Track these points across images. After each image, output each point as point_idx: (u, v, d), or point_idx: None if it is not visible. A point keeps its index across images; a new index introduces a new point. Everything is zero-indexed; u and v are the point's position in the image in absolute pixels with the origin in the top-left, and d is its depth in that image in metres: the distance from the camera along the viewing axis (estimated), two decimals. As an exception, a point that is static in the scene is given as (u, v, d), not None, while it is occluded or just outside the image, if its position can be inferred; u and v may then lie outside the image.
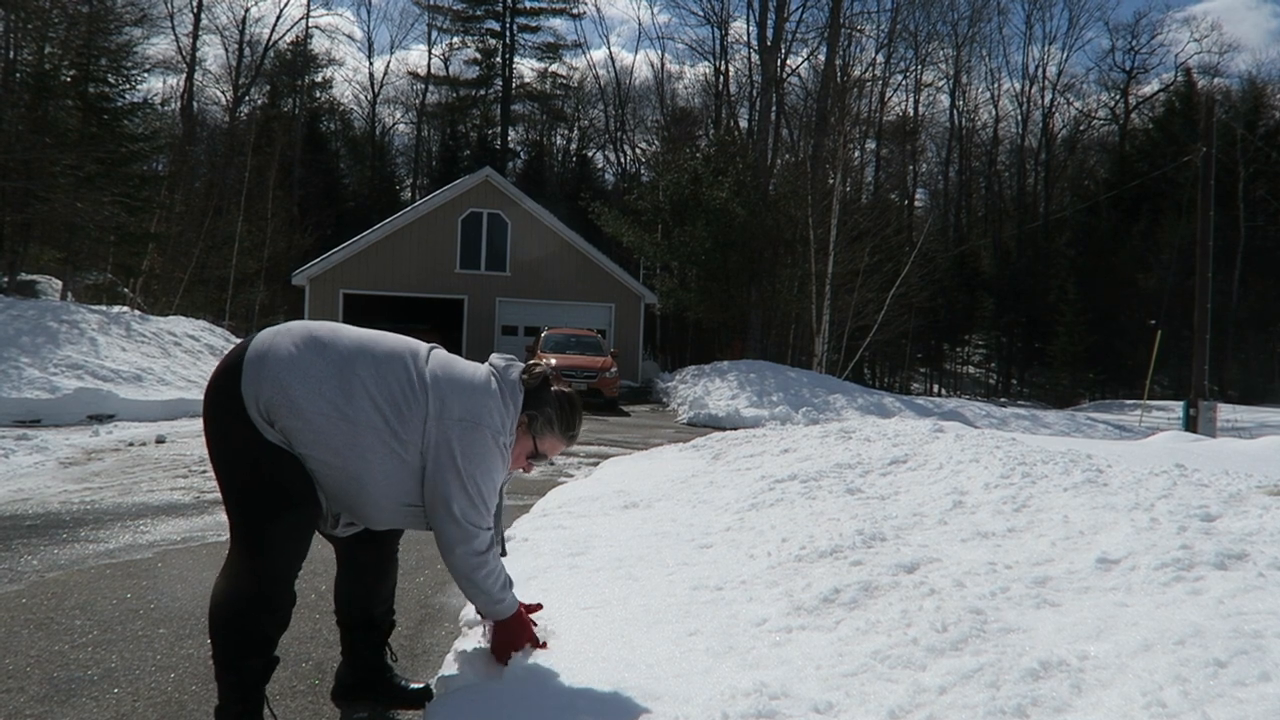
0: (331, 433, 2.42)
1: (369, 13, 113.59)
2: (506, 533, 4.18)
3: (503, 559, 2.76)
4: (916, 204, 49.90)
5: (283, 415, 2.39)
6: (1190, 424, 17.73)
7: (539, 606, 3.06)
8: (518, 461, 2.77)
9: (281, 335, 2.49)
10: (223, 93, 45.14)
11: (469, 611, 3.48)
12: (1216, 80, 47.79)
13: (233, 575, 2.46)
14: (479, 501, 2.53)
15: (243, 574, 2.44)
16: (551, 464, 9.14)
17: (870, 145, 42.81)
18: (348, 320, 24.25)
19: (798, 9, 35.34)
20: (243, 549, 2.46)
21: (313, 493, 2.48)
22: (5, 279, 19.43)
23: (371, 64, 55.26)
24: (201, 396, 2.63)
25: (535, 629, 2.89)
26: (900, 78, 46.58)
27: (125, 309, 19.09)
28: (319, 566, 3.87)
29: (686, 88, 53.04)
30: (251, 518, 2.45)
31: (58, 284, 23.32)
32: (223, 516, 2.54)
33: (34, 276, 24.28)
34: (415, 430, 2.48)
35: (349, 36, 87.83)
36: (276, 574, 2.46)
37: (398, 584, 3.03)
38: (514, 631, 2.78)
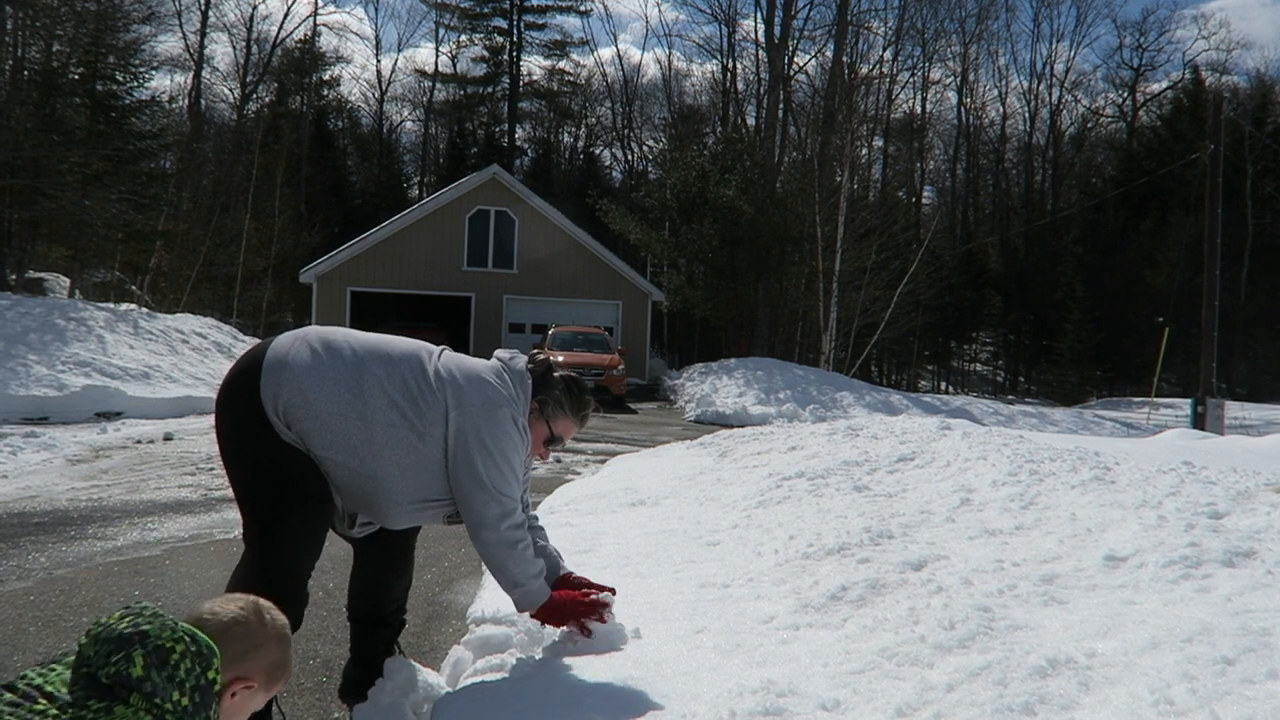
0: (349, 433, 2.46)
1: (377, 10, 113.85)
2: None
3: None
4: (924, 201, 49.90)
5: (300, 418, 2.44)
6: (1198, 421, 17.66)
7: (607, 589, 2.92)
8: (536, 447, 2.82)
9: (299, 341, 2.54)
10: (230, 90, 45.24)
11: (476, 609, 3.49)
12: (1225, 78, 47.68)
13: (245, 573, 2.48)
14: (509, 474, 2.59)
15: (255, 572, 2.45)
16: (558, 461, 9.15)
17: (877, 143, 42.72)
18: (354, 317, 24.47)
19: (805, 6, 35.45)
20: (256, 547, 2.49)
21: (326, 490, 2.52)
22: (13, 276, 19.49)
23: (379, 62, 55.30)
24: (210, 394, 2.66)
25: (589, 595, 2.80)
26: (908, 75, 46.62)
27: (133, 306, 19.16)
28: (327, 564, 3.88)
29: (694, 85, 53.14)
30: (265, 516, 2.47)
31: (65, 281, 23.40)
32: (230, 514, 2.56)
33: (42, 274, 24.38)
34: (434, 423, 2.53)
35: (357, 34, 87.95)
36: (289, 572, 2.48)
37: (404, 581, 3.03)
38: (560, 614, 2.74)
